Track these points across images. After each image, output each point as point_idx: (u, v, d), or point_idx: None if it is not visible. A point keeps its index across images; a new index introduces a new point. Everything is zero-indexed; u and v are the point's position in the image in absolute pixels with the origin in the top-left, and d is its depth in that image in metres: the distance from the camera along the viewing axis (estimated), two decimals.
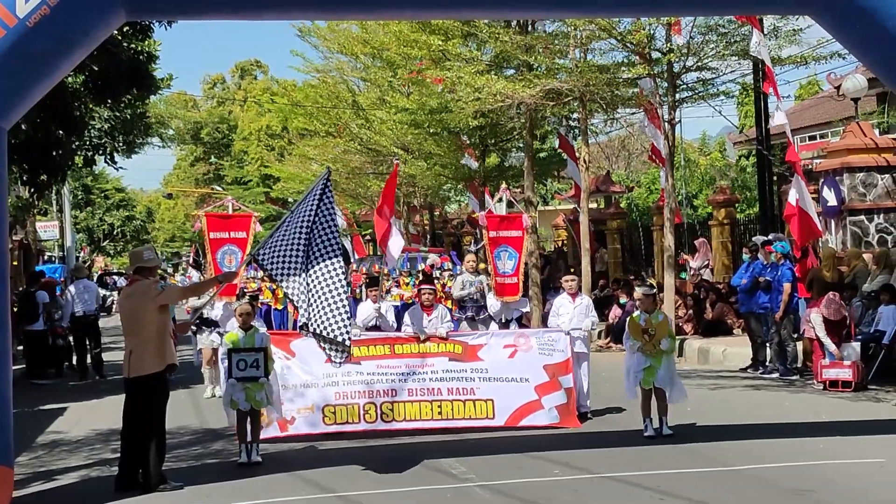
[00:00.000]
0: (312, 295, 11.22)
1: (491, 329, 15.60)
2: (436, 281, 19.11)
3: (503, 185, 19.36)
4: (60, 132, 20.09)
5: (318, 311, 11.18)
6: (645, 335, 12.90)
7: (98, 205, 67.71)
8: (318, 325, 11.20)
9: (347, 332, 11.30)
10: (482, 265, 17.56)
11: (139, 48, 20.16)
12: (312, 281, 11.24)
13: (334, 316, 11.17)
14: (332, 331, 11.16)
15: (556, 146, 31.62)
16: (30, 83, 10.48)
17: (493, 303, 15.98)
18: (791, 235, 19.57)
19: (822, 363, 16.60)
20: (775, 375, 18.03)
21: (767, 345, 18.66)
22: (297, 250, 11.24)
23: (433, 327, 14.36)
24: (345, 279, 11.55)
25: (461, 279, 17.38)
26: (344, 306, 11.27)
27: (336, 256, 11.37)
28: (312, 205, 11.41)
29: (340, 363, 11.70)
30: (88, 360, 22.11)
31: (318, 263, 11.27)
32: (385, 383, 13.75)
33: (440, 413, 13.78)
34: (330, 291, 11.22)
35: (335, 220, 11.56)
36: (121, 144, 23.80)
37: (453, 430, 13.63)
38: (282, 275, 11.29)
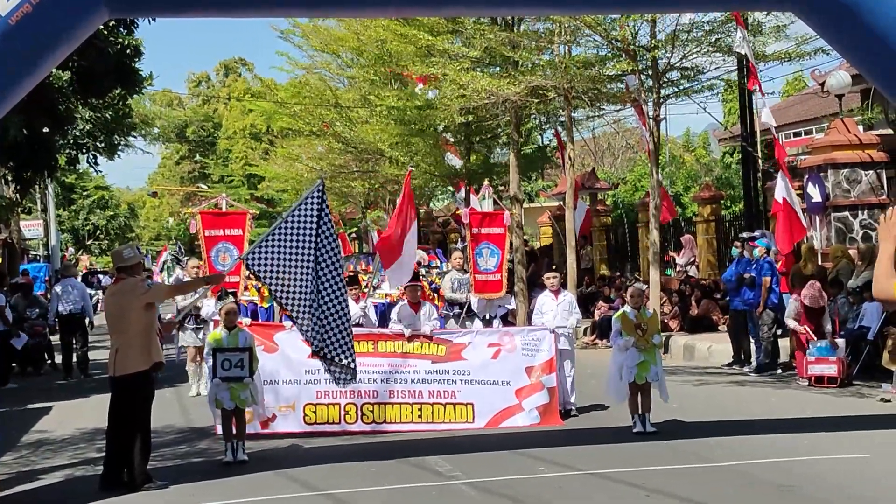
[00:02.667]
0: (324, 324, 11.28)
1: (475, 326, 15.58)
2: (422, 278, 19.07)
3: (486, 183, 19.36)
4: (46, 129, 20.02)
5: (331, 339, 11.29)
6: (638, 330, 12.92)
7: (80, 204, 67.46)
8: (332, 352, 11.32)
9: (353, 355, 11.52)
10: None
11: (126, 42, 20.08)
12: (324, 310, 11.28)
13: (343, 341, 11.38)
14: (342, 357, 11.33)
15: (545, 142, 31.68)
16: (13, 81, 10.43)
17: (473, 300, 15.99)
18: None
19: (808, 359, 16.64)
20: (763, 372, 18.03)
21: (752, 341, 18.70)
22: (305, 276, 11.22)
23: (419, 325, 14.35)
24: (347, 300, 11.66)
25: (450, 277, 17.40)
26: (349, 330, 11.52)
27: (342, 280, 11.49)
28: (312, 221, 11.34)
29: (347, 382, 11.81)
30: (74, 358, 22.01)
31: (327, 291, 11.31)
32: (367, 383, 13.72)
33: (420, 416, 13.80)
34: (338, 317, 11.35)
35: (336, 239, 11.62)
36: (102, 145, 23.68)
37: (437, 430, 13.67)
38: (289, 301, 11.28)
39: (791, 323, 17.08)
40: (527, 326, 16.23)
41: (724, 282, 20.18)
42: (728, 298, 20.10)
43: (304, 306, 11.26)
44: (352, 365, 11.52)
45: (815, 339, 16.65)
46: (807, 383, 16.53)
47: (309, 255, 11.26)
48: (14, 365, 22.12)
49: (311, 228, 11.31)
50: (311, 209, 11.40)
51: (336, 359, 11.40)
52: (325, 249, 11.38)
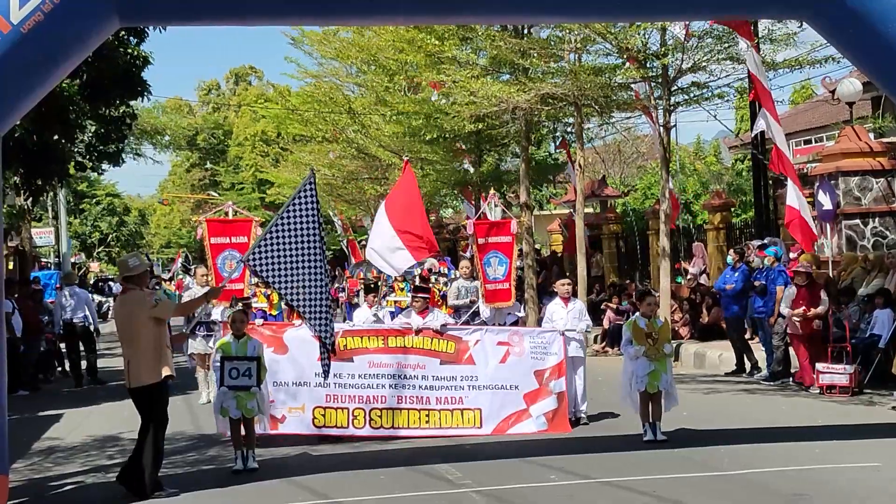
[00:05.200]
0: (324, 310, 11.32)
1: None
2: (431, 286, 19.07)
3: (492, 192, 19.38)
4: (56, 137, 20.08)
5: (320, 317, 11.30)
6: (649, 339, 12.91)
7: (89, 211, 67.62)
8: (324, 333, 11.36)
9: (332, 331, 11.60)
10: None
11: (135, 52, 20.17)
12: (312, 288, 11.29)
13: (328, 318, 11.37)
14: (328, 334, 11.33)
15: (555, 149, 31.69)
16: (24, 90, 10.48)
17: (483, 309, 15.97)
18: (788, 240, 19.61)
19: (819, 368, 16.59)
20: (778, 380, 17.93)
21: (763, 349, 18.65)
22: (307, 268, 11.23)
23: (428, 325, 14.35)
24: (328, 279, 11.66)
25: (457, 285, 17.43)
26: (330, 305, 11.58)
27: (323, 258, 11.50)
28: (308, 212, 11.35)
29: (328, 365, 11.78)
30: (84, 365, 22.03)
31: (314, 270, 11.31)
32: (376, 388, 13.77)
33: (428, 422, 13.81)
34: (325, 296, 11.34)
35: (319, 221, 11.59)
36: (110, 152, 23.74)
37: (445, 435, 13.69)
38: (294, 297, 11.29)
39: (784, 309, 17.11)
40: (536, 328, 16.15)
41: (717, 290, 20.17)
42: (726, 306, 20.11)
43: (309, 299, 11.25)
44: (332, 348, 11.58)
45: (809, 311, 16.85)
46: (818, 391, 16.48)
47: (310, 247, 11.26)
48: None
49: (308, 220, 11.31)
50: (305, 201, 11.39)
51: (326, 339, 11.41)
52: (320, 238, 11.45)
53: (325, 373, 11.77)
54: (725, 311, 19.69)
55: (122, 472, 10.97)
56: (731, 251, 20.29)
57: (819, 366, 16.64)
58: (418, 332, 14.05)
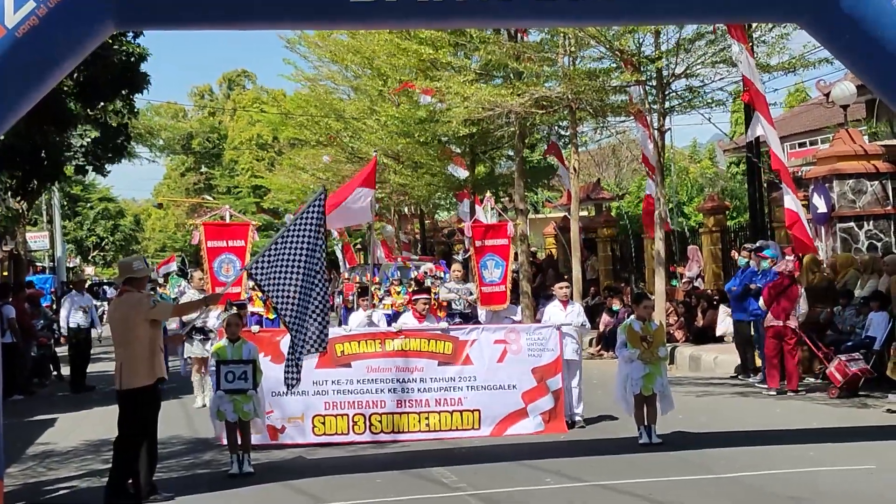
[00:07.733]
0: (310, 321, 11.27)
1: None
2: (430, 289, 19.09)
3: (488, 195, 19.39)
4: (50, 139, 20.07)
5: (316, 336, 11.28)
6: (644, 342, 12.93)
7: (85, 215, 67.55)
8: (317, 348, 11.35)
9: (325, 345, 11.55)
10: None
11: (130, 49, 20.15)
12: (312, 305, 11.27)
13: (324, 335, 11.34)
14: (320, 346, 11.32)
15: (545, 152, 31.67)
16: (19, 94, 10.45)
17: (480, 313, 16.00)
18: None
19: (840, 359, 16.58)
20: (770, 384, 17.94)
21: (757, 352, 18.66)
22: (306, 285, 11.20)
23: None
24: (326, 294, 11.64)
25: (447, 287, 17.46)
26: (327, 323, 11.48)
27: (324, 276, 11.48)
28: (315, 229, 11.33)
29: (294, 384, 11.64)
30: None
31: (314, 288, 11.29)
32: (374, 393, 13.78)
33: (427, 425, 13.84)
34: (323, 314, 11.33)
35: (324, 238, 11.58)
36: (109, 154, 23.72)
37: (444, 438, 13.69)
38: (287, 312, 11.21)
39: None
40: (533, 324, 16.16)
41: (727, 292, 20.09)
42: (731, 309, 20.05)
43: (304, 317, 11.22)
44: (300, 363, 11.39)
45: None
46: (825, 392, 16.54)
47: (312, 264, 11.24)
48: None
49: (313, 237, 11.29)
50: (314, 217, 11.38)
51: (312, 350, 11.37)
52: (323, 256, 11.44)
53: (293, 384, 11.54)
54: (733, 314, 19.64)
55: (110, 488, 10.78)
56: (743, 252, 20.12)
57: (841, 357, 16.59)
58: (399, 331, 14.10)
